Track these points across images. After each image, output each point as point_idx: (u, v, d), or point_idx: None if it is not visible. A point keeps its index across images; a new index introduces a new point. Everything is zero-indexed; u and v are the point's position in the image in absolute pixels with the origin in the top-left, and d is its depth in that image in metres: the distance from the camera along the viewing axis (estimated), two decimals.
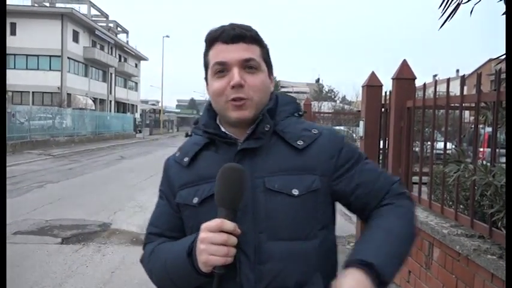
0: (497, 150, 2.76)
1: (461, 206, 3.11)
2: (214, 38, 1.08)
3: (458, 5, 1.69)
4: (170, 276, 1.08)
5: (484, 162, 2.74)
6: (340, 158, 1.10)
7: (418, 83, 3.95)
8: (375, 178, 1.12)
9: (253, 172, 1.06)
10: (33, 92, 32.25)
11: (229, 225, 0.95)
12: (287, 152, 1.08)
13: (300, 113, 1.18)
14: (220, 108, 1.11)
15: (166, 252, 1.10)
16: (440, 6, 1.73)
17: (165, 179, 1.20)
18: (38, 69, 32.67)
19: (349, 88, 58.96)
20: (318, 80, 50.87)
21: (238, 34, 1.06)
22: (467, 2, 1.67)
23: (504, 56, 1.62)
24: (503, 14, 1.60)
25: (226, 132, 1.11)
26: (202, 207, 1.07)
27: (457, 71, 45.01)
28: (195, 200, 1.08)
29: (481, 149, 5.59)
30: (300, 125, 1.14)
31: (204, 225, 0.98)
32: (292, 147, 1.08)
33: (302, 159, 1.08)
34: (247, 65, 1.06)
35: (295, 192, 1.04)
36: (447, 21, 1.75)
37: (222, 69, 1.07)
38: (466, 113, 6.10)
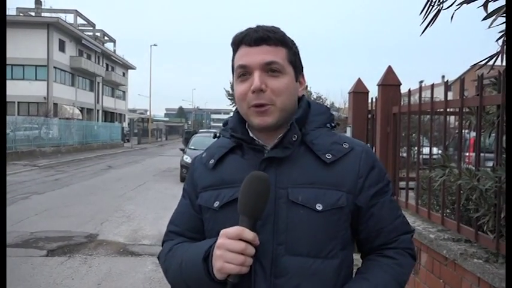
0: (482, 154, 2.79)
1: (447, 211, 3.12)
2: (238, 41, 1.06)
3: (439, 11, 1.71)
4: (184, 277, 1.05)
5: (469, 166, 2.77)
6: (368, 178, 1.06)
7: (406, 88, 3.99)
8: (393, 219, 1.09)
9: (277, 181, 1.03)
10: (18, 102, 31.80)
11: (249, 234, 0.94)
12: (314, 164, 1.05)
13: (333, 124, 1.14)
14: (243, 113, 1.08)
15: (183, 253, 1.07)
16: (421, 13, 1.75)
17: (189, 179, 1.19)
18: (23, 79, 32.28)
19: (337, 95, 59.33)
20: (306, 87, 51.13)
21: (261, 36, 1.02)
22: (447, 8, 1.69)
23: (484, 62, 1.64)
24: (483, 20, 1.62)
25: (254, 137, 1.09)
26: (222, 212, 1.06)
27: (443, 77, 45.63)
28: (216, 204, 1.07)
29: (467, 154, 5.65)
30: (330, 137, 1.09)
31: (223, 231, 0.96)
32: (320, 159, 1.05)
33: (329, 174, 1.04)
34: (269, 69, 1.03)
35: (319, 207, 1.01)
36: (428, 27, 1.77)
37: (245, 72, 1.04)
38: (452, 118, 6.18)
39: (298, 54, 1.11)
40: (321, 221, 1.01)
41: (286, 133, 1.04)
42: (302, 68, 1.13)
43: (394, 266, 1.06)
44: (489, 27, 1.52)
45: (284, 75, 1.04)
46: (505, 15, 1.42)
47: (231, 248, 0.93)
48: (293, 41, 1.09)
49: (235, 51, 1.08)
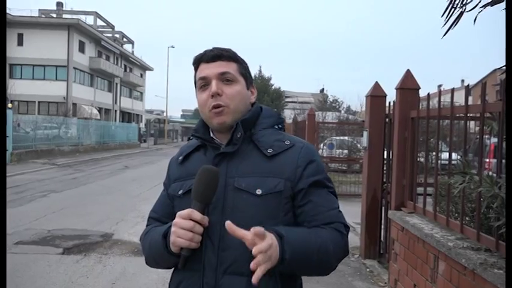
0: (503, 161, 2.71)
1: (467, 218, 3.04)
2: (198, 60, 1.29)
3: (462, 13, 1.66)
4: (152, 253, 1.28)
5: (490, 173, 2.69)
6: (306, 169, 1.23)
7: (423, 92, 3.92)
8: (328, 208, 1.24)
9: (228, 173, 1.23)
10: (39, 102, 32.43)
11: (197, 215, 1.14)
12: (259, 158, 1.24)
13: (280, 126, 1.33)
14: (205, 118, 1.29)
15: (152, 233, 1.30)
16: (443, 15, 1.70)
17: (167, 173, 1.42)
18: (44, 79, 32.90)
19: (354, 98, 58.71)
20: (322, 90, 50.77)
21: (216, 54, 1.26)
22: (470, 10, 1.64)
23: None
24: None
25: (213, 137, 1.30)
26: (184, 198, 1.26)
27: (462, 81, 44.80)
28: (180, 192, 1.29)
29: (487, 160, 5.52)
30: (275, 136, 1.28)
31: (178, 213, 1.17)
32: (263, 154, 1.23)
33: (270, 165, 1.22)
34: (224, 78, 1.25)
35: (259, 191, 1.19)
36: (450, 30, 1.72)
37: (204, 83, 1.26)
38: (471, 123, 6.05)
39: (248, 69, 1.34)
40: (261, 204, 1.19)
41: (233, 132, 1.24)
42: (252, 80, 1.36)
43: (330, 230, 1.20)
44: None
45: (236, 83, 1.27)
46: None
47: (182, 225, 1.14)
48: (243, 59, 1.33)
49: (196, 69, 1.30)
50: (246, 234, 1.04)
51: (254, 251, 1.02)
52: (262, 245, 1.03)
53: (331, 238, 1.20)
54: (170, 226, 1.19)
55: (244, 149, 1.25)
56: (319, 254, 1.15)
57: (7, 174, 11.35)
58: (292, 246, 1.10)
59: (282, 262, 1.08)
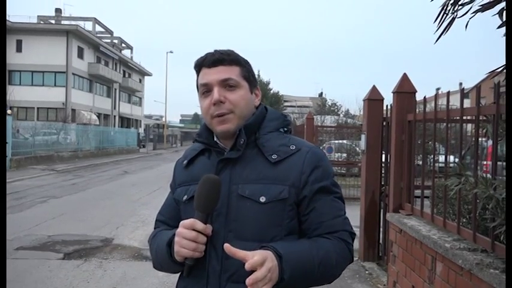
0: (499, 163, 2.75)
1: (463, 220, 3.08)
2: (199, 64, 1.26)
3: (453, 19, 1.71)
4: (158, 259, 1.29)
5: (485, 175, 2.73)
6: (311, 175, 1.20)
7: (422, 96, 3.96)
8: (334, 216, 1.22)
9: (231, 179, 1.21)
10: (38, 108, 32.45)
11: (200, 225, 1.13)
12: (263, 163, 1.21)
13: (285, 129, 1.29)
14: (208, 124, 1.27)
15: (158, 239, 1.29)
16: (435, 21, 1.75)
17: (173, 176, 1.41)
18: (43, 85, 32.95)
19: (353, 102, 58.76)
20: (321, 94, 50.91)
21: (217, 59, 1.22)
22: (462, 16, 1.69)
23: (500, 69, 1.63)
24: (498, 28, 1.62)
25: (218, 141, 1.28)
26: (189, 204, 1.25)
27: (460, 84, 44.98)
28: (185, 198, 1.28)
29: (485, 162, 5.55)
30: (280, 140, 1.25)
31: (181, 222, 1.16)
32: (267, 160, 1.21)
33: (275, 171, 1.20)
34: (226, 84, 1.21)
35: (263, 199, 1.17)
36: (442, 35, 1.77)
37: (207, 89, 1.23)
38: (469, 126, 6.09)
39: (251, 71, 1.30)
40: (265, 211, 1.17)
41: (236, 138, 1.22)
42: (256, 83, 1.32)
43: (332, 241, 1.19)
44: (504, 35, 1.51)
45: (239, 89, 1.23)
46: None
47: (185, 235, 1.13)
48: (246, 60, 1.29)
49: (197, 73, 1.27)
50: (247, 255, 1.03)
51: (248, 281, 1.01)
52: (259, 272, 1.02)
53: (335, 249, 1.18)
54: (174, 234, 1.18)
55: (249, 154, 1.22)
56: (320, 268, 1.14)
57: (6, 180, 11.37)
58: (292, 266, 1.09)
59: (282, 281, 1.07)
